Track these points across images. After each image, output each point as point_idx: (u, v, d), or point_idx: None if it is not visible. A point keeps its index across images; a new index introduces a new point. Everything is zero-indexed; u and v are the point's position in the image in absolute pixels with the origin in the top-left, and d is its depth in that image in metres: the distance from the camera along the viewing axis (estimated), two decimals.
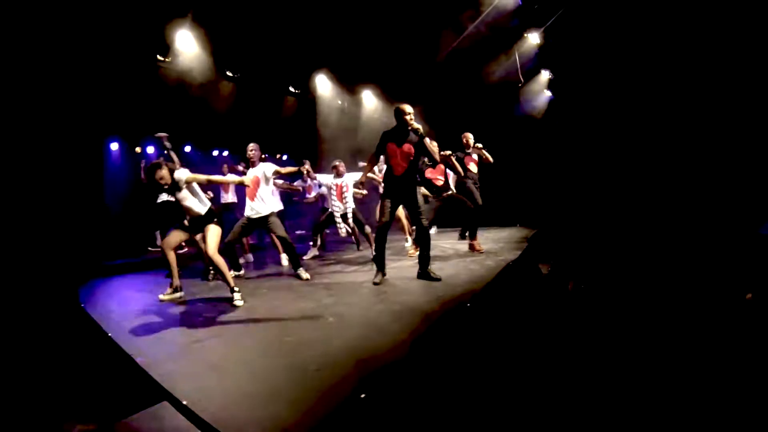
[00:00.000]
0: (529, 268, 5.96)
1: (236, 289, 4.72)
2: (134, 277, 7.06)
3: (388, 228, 5.28)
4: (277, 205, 7.38)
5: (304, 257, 7.52)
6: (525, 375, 3.01)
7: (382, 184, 5.38)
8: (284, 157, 14.39)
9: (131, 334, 3.89)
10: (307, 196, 9.90)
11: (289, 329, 3.69)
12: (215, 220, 5.01)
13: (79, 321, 4.60)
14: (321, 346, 3.22)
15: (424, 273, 5.26)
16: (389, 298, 4.53)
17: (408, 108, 5.11)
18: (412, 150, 5.16)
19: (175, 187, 4.89)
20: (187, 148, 12.20)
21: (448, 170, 7.14)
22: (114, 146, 10.59)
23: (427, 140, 5.11)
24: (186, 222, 5.07)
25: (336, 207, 7.30)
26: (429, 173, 6.90)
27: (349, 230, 7.42)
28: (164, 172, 4.82)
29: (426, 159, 6.35)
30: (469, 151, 7.49)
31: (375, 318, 3.84)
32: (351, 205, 7.29)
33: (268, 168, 5.91)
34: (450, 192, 7.02)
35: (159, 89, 9.10)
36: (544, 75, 11.47)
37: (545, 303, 4.73)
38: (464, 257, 6.65)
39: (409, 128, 5.09)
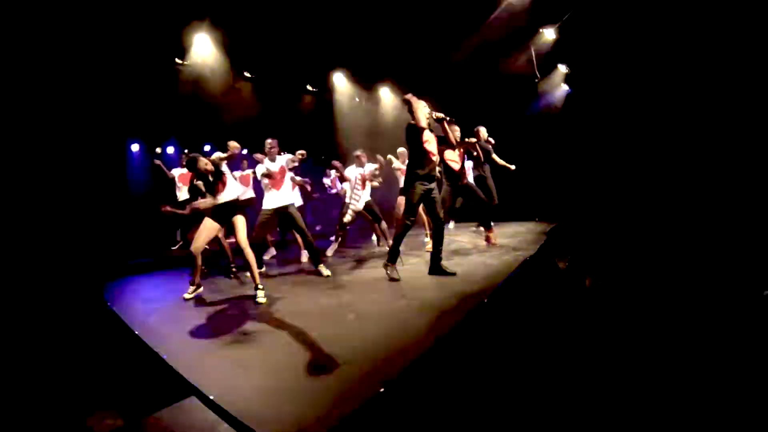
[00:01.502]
0: (547, 263, 5.93)
1: (260, 285, 4.82)
2: (159, 275, 7.21)
3: (411, 226, 5.32)
4: (297, 199, 7.53)
5: (327, 252, 7.63)
6: (540, 373, 3.03)
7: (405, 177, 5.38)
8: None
9: (157, 331, 4.01)
10: (331, 191, 9.98)
11: (311, 326, 3.75)
12: (240, 211, 5.15)
13: (106, 318, 4.73)
14: (344, 343, 3.27)
15: (436, 268, 5.29)
16: (408, 294, 4.58)
17: (420, 102, 5.20)
18: (436, 138, 5.30)
19: (218, 171, 5.05)
20: (207, 148, 12.38)
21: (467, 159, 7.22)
22: (135, 147, 10.84)
23: (446, 124, 5.20)
24: (210, 213, 5.15)
25: (356, 196, 7.51)
26: (448, 156, 6.88)
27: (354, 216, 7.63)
28: (203, 162, 5.01)
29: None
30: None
31: (396, 314, 3.89)
32: (368, 196, 7.59)
33: (286, 159, 6.02)
34: (465, 181, 7.04)
35: (178, 91, 9.28)
36: (562, 69, 11.33)
37: (563, 299, 4.72)
38: (483, 253, 6.65)
39: (432, 118, 5.24)
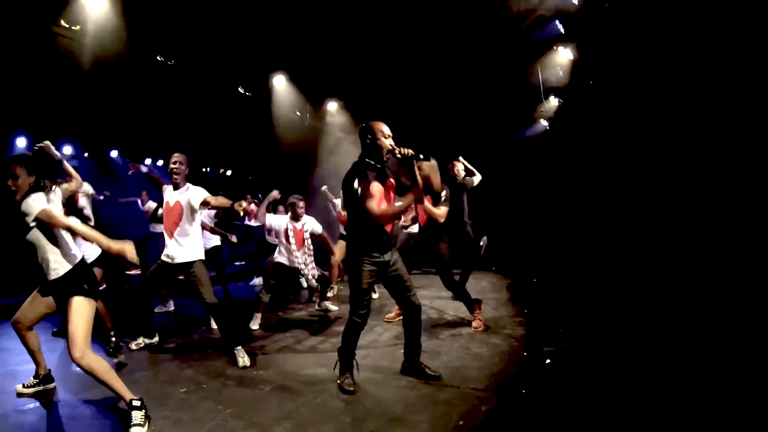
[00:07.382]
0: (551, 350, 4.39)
1: (135, 402, 2.71)
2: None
3: (363, 324, 3.52)
4: (208, 245, 5.70)
5: (252, 325, 5.42)
6: None
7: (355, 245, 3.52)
8: (228, 173, 12.44)
9: None
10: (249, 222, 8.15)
11: None
12: (85, 287, 2.93)
13: None
14: None
15: (413, 367, 3.65)
16: (381, 428, 2.77)
17: (384, 127, 3.41)
18: (391, 185, 3.54)
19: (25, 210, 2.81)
20: (114, 153, 10.25)
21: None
22: (21, 142, 8.44)
23: (426, 164, 3.47)
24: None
25: (297, 259, 5.46)
26: (429, 208, 4.90)
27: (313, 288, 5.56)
28: (21, 172, 2.87)
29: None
30: None
31: None
32: (306, 260, 5.54)
33: (195, 195, 4.09)
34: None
35: (65, 69, 6.69)
36: (553, 102, 9.95)
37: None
38: (459, 328, 5.04)
39: (392, 156, 3.40)
